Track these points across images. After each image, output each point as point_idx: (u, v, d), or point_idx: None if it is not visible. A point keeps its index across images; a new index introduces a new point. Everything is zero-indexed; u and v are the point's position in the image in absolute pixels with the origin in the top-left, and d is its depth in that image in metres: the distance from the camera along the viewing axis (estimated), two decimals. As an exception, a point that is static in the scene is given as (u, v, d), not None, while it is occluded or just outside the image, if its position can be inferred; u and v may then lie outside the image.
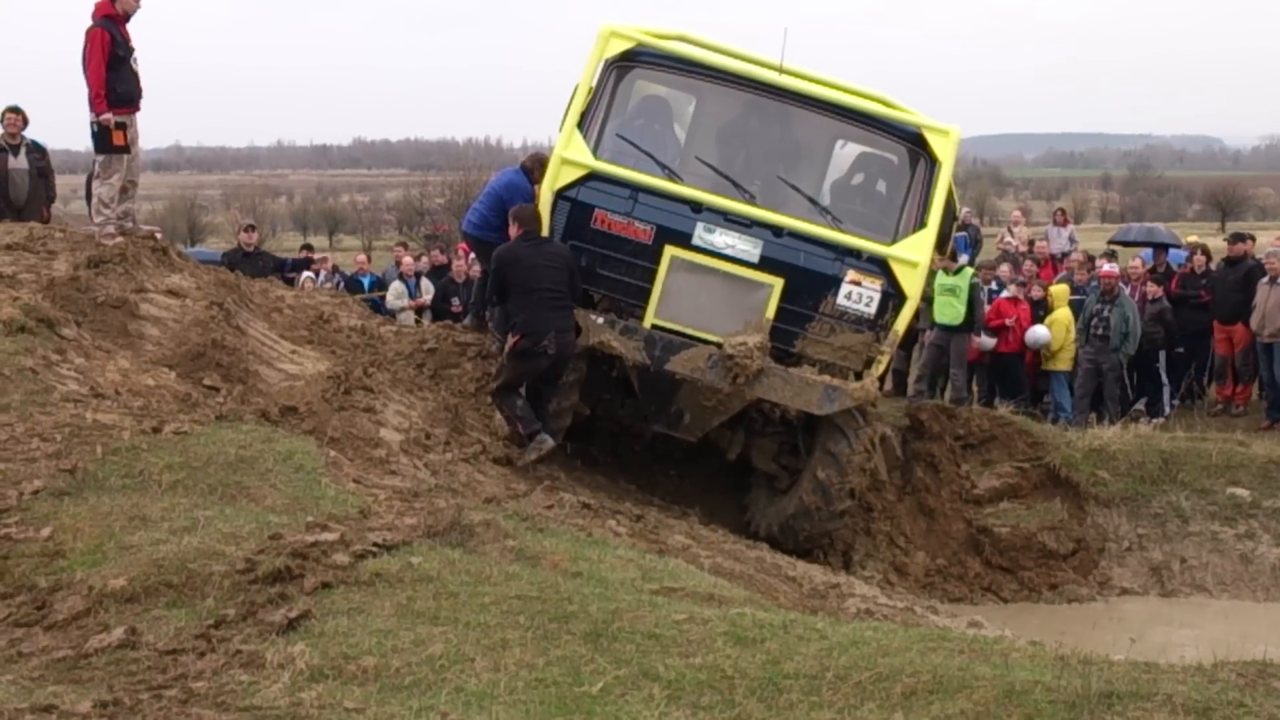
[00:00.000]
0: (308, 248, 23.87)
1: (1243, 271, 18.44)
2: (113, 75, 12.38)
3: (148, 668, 5.73)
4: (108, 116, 12.26)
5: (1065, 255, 22.09)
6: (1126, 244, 25.05)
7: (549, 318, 11.33)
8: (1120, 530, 13.75)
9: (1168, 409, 18.54)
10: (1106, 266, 18.76)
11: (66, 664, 5.88)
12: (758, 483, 13.01)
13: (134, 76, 12.71)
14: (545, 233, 11.59)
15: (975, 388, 19.19)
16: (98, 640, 6.02)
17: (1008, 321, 18.41)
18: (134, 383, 10.07)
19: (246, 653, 5.73)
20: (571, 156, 11.52)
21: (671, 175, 11.67)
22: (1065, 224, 25.60)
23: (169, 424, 9.02)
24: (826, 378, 11.51)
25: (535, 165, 12.94)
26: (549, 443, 11.53)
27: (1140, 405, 18.77)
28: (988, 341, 18.47)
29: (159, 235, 13.79)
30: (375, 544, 7.01)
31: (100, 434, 8.63)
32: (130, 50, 12.65)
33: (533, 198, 12.42)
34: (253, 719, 5.13)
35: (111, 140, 12.39)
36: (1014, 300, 18.63)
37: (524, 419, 11.63)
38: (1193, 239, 23.19)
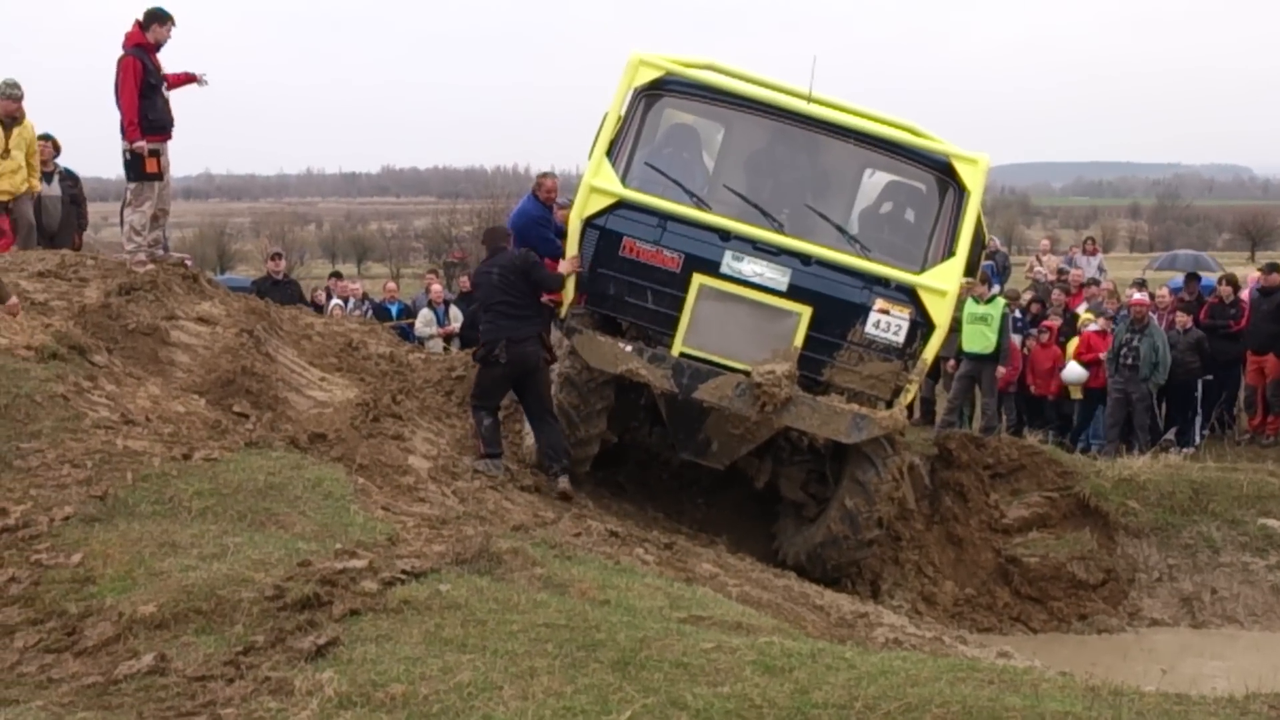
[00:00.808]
0: (336, 275, 23.95)
1: (1276, 302, 18.31)
2: (145, 103, 12.49)
3: (177, 694, 5.74)
4: (141, 144, 12.36)
5: (1094, 283, 22.04)
6: (1170, 271, 24.70)
7: (501, 326, 11.85)
8: (1150, 561, 13.66)
9: (1198, 439, 18.43)
10: (1136, 295, 18.71)
11: (96, 690, 5.89)
12: (785, 511, 12.98)
13: (165, 104, 12.83)
14: (570, 252, 11.63)
15: (1004, 416, 19.16)
16: (127, 666, 6.04)
17: (1102, 356, 18.29)
18: (164, 409, 10.12)
19: (275, 679, 5.73)
20: (600, 185, 11.54)
21: (700, 203, 11.68)
22: (1094, 253, 25.54)
23: (199, 451, 9.06)
24: (855, 406, 11.49)
25: (538, 184, 13.13)
26: (497, 472, 11.67)
27: (1170, 435, 18.67)
28: (1081, 373, 18.37)
29: (189, 263, 13.89)
30: (404, 571, 7.02)
31: (131, 460, 8.67)
32: (162, 79, 12.76)
33: (544, 218, 12.57)
34: (281, 746, 5.14)
35: (144, 168, 12.50)
36: (1102, 334, 18.52)
37: (486, 439, 11.95)
38: (1235, 271, 23.00)
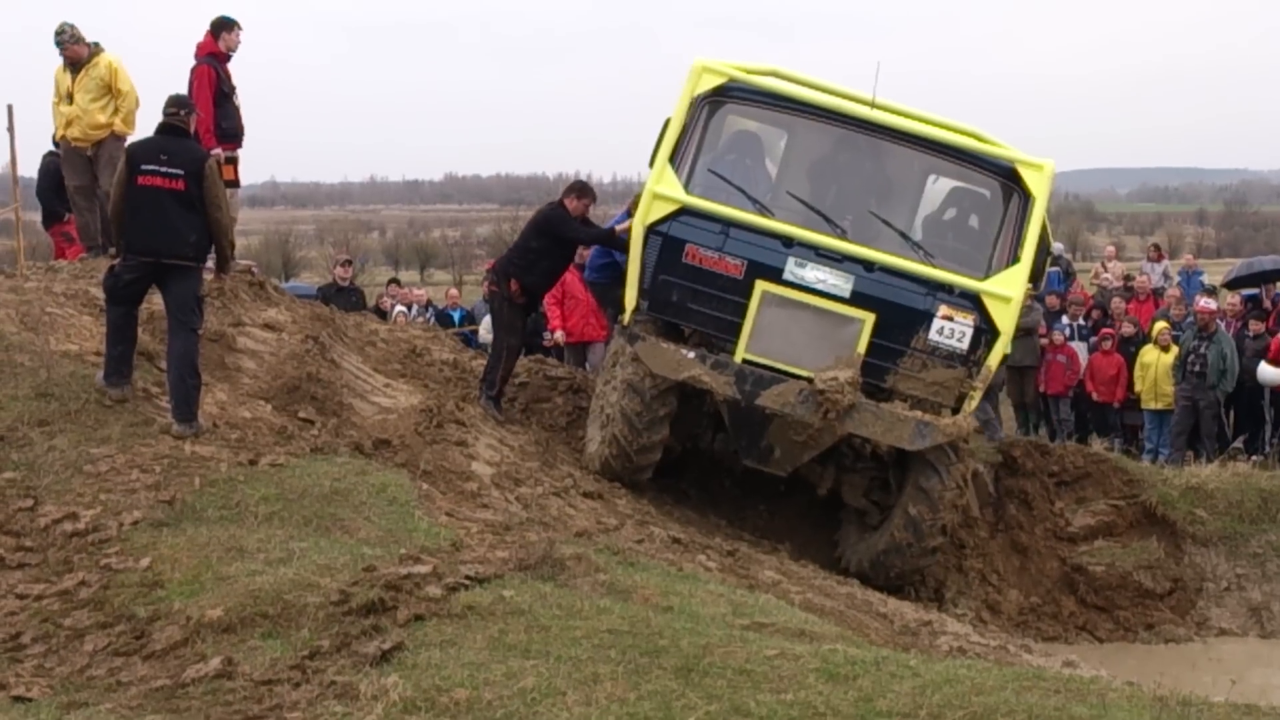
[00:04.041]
0: (394, 281, 24.07)
1: (1347, 307, 18.06)
2: (218, 112, 12.65)
3: (244, 698, 5.80)
4: (217, 151, 12.45)
5: (1161, 291, 21.84)
6: (1251, 277, 24.04)
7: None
8: (1218, 570, 13.52)
9: (1267, 446, 18.21)
10: (1203, 302, 18.51)
11: (164, 693, 5.97)
12: (848, 518, 12.92)
13: (237, 113, 12.97)
14: (635, 268, 11.67)
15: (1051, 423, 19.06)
16: (195, 670, 6.11)
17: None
18: (231, 415, 10.22)
19: (340, 684, 5.78)
20: (663, 191, 11.54)
21: (763, 210, 11.65)
22: (1160, 259, 25.30)
23: (265, 456, 9.15)
24: (918, 413, 11.43)
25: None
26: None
27: (1238, 443, 18.45)
28: (1276, 374, 18.07)
29: (255, 270, 13.99)
30: (467, 577, 7.06)
31: (198, 466, 8.77)
32: (233, 87, 12.90)
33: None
34: (347, 750, 5.18)
35: (220, 175, 12.61)
36: None
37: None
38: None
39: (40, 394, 9.43)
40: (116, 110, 13.21)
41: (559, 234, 12.83)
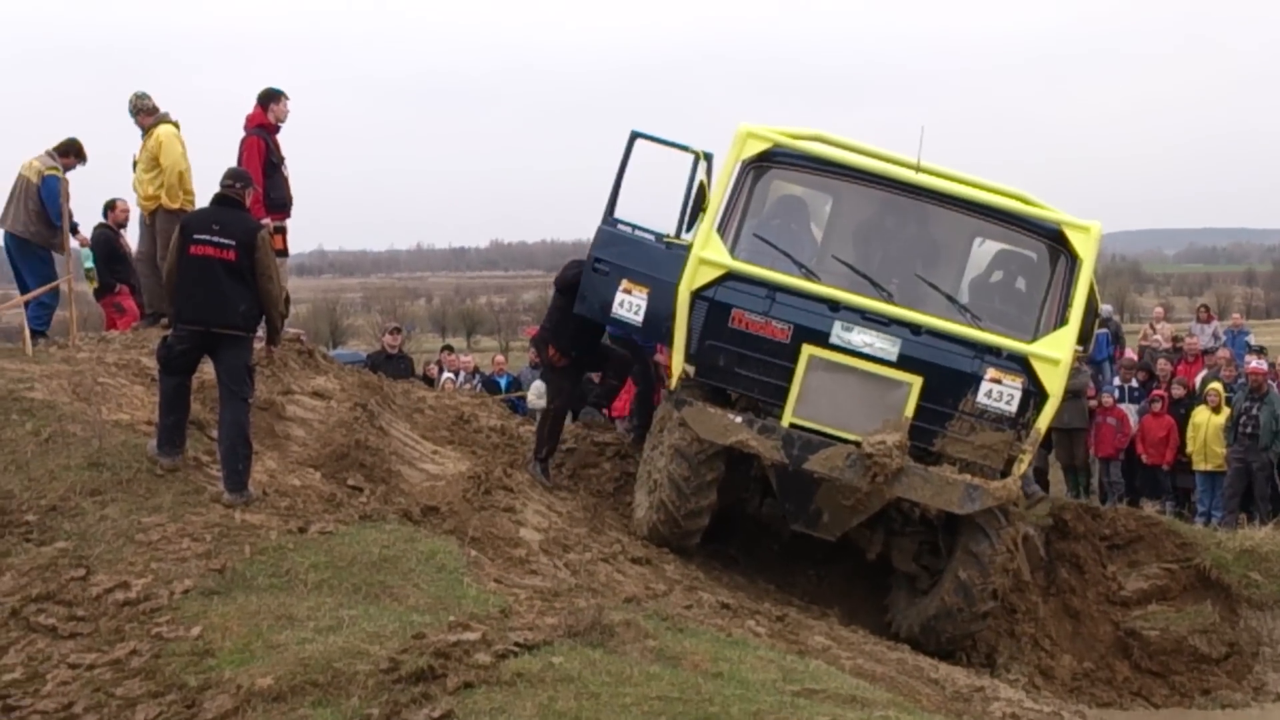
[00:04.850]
0: (447, 348, 24.18)
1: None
2: (267, 182, 12.80)
3: (294, 766, 5.79)
4: (267, 222, 12.58)
5: (1210, 352, 21.68)
6: None
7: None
8: (1275, 634, 13.36)
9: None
10: (1254, 363, 18.38)
11: (216, 761, 5.96)
12: (898, 583, 12.84)
13: (285, 183, 13.14)
14: (681, 333, 11.66)
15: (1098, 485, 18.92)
16: (246, 738, 6.11)
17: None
18: (281, 483, 10.27)
19: (391, 752, 5.77)
20: (709, 256, 11.57)
21: (809, 274, 11.67)
22: (1209, 320, 25.14)
23: (314, 524, 9.18)
24: (967, 476, 11.37)
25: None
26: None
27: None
28: None
29: (304, 338, 14.09)
30: (517, 643, 7.04)
31: (248, 534, 8.80)
32: (282, 158, 13.08)
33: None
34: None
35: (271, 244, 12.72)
36: None
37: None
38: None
39: (92, 463, 9.50)
40: (166, 187, 13.43)
41: (575, 286, 12.91)
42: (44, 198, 13.81)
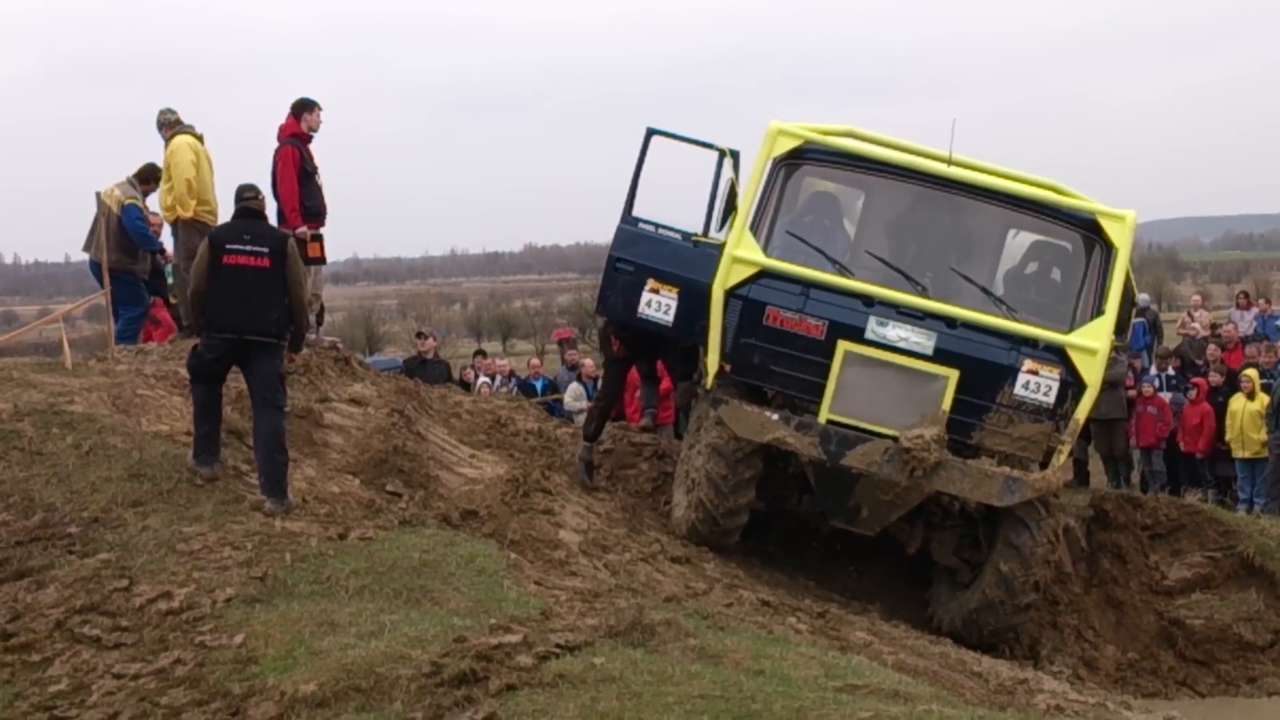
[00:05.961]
0: (480, 353, 24.22)
1: None
2: (301, 191, 12.87)
3: (339, 771, 5.81)
4: (303, 230, 12.67)
5: (1250, 339, 21.50)
6: None
7: None
8: (1321, 620, 13.25)
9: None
10: (1292, 349, 18.25)
11: (261, 768, 5.99)
12: (938, 577, 12.79)
13: (319, 192, 13.20)
14: (715, 331, 11.63)
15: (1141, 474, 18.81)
16: (291, 745, 6.14)
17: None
18: (320, 490, 10.31)
19: (434, 756, 5.78)
20: (742, 255, 11.56)
21: (842, 270, 11.65)
22: (1248, 307, 24.95)
23: (354, 530, 9.21)
24: (1006, 469, 11.33)
25: None
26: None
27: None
28: None
29: (340, 346, 14.15)
30: (558, 645, 7.05)
31: (289, 541, 8.84)
32: (315, 167, 13.15)
33: None
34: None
35: (307, 252, 12.74)
36: None
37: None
38: None
39: (133, 475, 9.56)
40: (178, 198, 13.58)
41: None
42: (125, 226, 14.00)
